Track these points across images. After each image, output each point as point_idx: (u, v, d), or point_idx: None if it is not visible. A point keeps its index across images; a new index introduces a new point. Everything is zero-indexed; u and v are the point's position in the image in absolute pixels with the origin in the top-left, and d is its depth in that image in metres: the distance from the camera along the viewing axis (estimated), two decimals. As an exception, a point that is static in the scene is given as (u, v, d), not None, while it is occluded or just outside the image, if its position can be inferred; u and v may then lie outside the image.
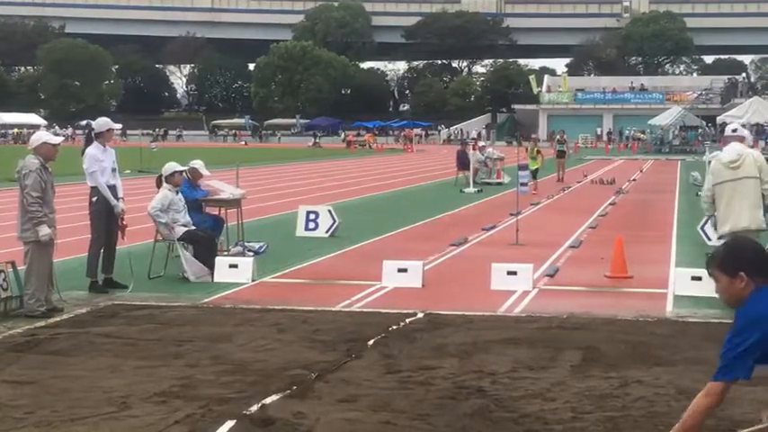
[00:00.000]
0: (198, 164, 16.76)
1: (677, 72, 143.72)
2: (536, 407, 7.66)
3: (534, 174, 32.12)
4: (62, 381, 8.53)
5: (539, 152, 35.63)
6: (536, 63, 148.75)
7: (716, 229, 13.15)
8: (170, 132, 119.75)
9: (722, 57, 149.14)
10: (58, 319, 11.69)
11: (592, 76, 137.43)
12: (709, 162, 15.00)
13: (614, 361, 9.22)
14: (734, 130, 13.76)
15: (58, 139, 12.71)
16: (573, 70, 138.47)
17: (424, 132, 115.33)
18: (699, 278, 13.25)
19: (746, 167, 12.76)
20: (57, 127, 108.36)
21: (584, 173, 44.25)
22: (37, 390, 8.24)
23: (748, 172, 12.77)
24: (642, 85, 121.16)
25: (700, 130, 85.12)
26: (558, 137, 44.39)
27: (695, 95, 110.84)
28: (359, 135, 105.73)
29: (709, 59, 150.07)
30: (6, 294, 11.98)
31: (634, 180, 42.15)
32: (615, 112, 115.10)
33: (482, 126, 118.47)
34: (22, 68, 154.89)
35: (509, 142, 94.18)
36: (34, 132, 13.34)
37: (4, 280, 12.00)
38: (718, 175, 12.90)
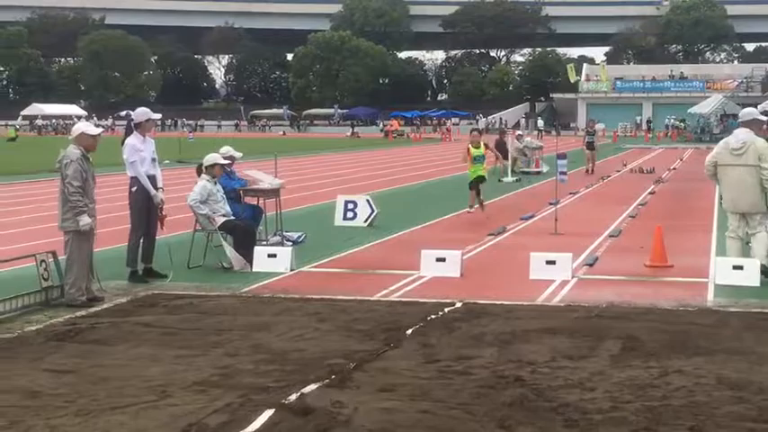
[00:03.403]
0: (228, 149, 16.75)
1: (717, 60, 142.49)
2: (575, 396, 7.63)
3: (477, 184, 22.24)
4: (102, 369, 8.59)
5: (487, 148, 23.35)
6: (575, 52, 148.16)
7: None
8: (186, 122, 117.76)
9: (763, 44, 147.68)
10: (98, 308, 11.77)
11: (631, 64, 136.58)
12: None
13: (654, 350, 9.16)
14: (742, 115, 14.63)
15: (97, 131, 12.76)
16: (612, 59, 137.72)
17: (448, 122, 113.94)
18: (740, 267, 13.19)
19: (748, 155, 13.75)
20: (95, 118, 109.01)
21: (624, 162, 43.96)
22: (78, 378, 8.30)
23: (747, 160, 13.76)
24: (682, 73, 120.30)
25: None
26: (587, 127, 43.14)
27: (736, 83, 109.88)
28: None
29: (750, 47, 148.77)
30: (47, 284, 12.07)
31: (674, 169, 41.84)
32: (654, 100, 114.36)
33: (522, 115, 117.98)
34: (63, 60, 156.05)
35: (547, 131, 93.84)
36: (74, 123, 13.37)
37: (45, 269, 12.09)
38: (722, 158, 14.09)
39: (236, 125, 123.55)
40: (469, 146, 22.54)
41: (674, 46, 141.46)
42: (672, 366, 8.53)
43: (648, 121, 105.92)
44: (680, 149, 63.25)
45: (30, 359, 9.03)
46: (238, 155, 16.95)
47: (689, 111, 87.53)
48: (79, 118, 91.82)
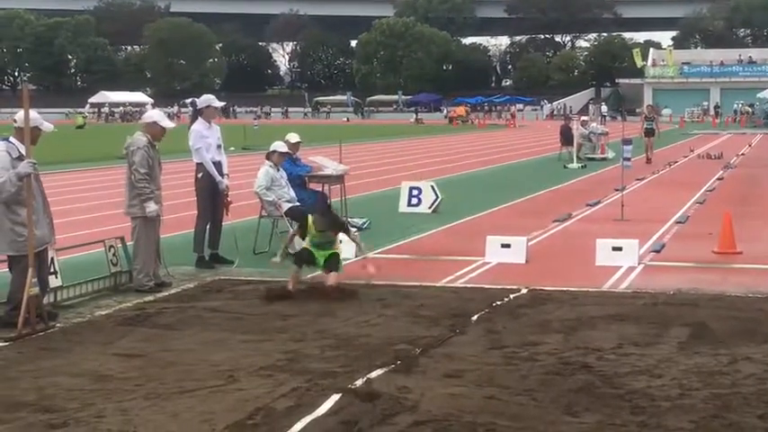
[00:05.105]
0: (292, 136, 16.77)
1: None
2: (643, 383, 7.58)
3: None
4: (170, 354, 8.68)
5: (336, 230, 12.29)
6: (641, 36, 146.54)
7: None
8: (236, 110, 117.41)
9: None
10: (165, 293, 11.90)
11: (698, 49, 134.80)
12: None
13: (723, 338, 9.06)
14: None
15: (171, 125, 12.68)
16: (679, 43, 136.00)
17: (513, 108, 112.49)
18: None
19: None
20: (152, 105, 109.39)
21: (691, 147, 43.46)
22: (146, 362, 8.41)
23: None
24: (751, 57, 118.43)
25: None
26: (645, 112, 41.22)
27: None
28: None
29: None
30: (116, 269, 12.22)
31: (742, 154, 41.28)
32: (723, 85, 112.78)
33: (587, 100, 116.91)
34: (129, 48, 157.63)
35: (613, 117, 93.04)
36: (141, 110, 13.40)
37: (113, 255, 12.24)
38: None
39: (285, 112, 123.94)
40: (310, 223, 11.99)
41: (742, 30, 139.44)
42: (741, 354, 8.44)
43: (716, 107, 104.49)
44: (748, 135, 62.37)
45: (99, 343, 9.16)
46: (294, 140, 16.90)
47: (758, 96, 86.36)
48: (144, 105, 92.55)
